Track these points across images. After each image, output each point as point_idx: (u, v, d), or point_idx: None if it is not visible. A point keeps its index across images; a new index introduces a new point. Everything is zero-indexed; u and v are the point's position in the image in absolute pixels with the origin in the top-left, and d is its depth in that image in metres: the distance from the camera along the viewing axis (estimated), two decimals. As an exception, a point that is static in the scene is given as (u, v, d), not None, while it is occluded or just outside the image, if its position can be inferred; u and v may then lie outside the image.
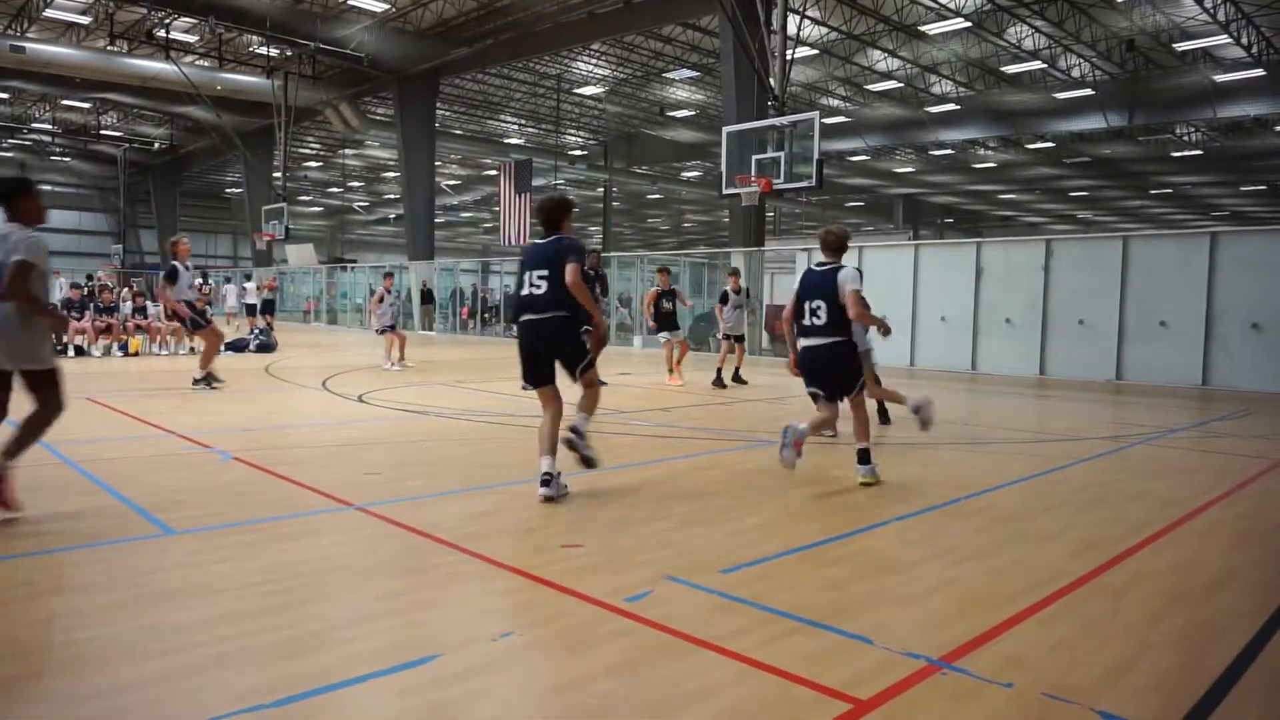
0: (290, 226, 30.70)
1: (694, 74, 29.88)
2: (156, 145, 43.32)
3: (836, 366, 5.77)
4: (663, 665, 2.84)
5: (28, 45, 25.41)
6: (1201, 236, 13.85)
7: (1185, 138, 33.78)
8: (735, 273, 13.19)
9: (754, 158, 15.60)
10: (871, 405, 7.87)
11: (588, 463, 5.40)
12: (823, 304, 5.68)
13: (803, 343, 5.85)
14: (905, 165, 42.19)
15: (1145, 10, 22.43)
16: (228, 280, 31.44)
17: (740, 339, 12.78)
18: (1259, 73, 24.07)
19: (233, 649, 2.90)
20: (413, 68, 28.00)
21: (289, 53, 27.46)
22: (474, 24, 25.46)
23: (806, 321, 5.78)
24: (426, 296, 30.19)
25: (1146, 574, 3.96)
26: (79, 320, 15.63)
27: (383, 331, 14.58)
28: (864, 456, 5.70)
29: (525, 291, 5.27)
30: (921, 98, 30.54)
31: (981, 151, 38.42)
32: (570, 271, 5.10)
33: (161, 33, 25.70)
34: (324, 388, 11.39)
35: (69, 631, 3.04)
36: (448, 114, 36.07)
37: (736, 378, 12.64)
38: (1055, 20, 22.99)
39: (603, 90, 32.84)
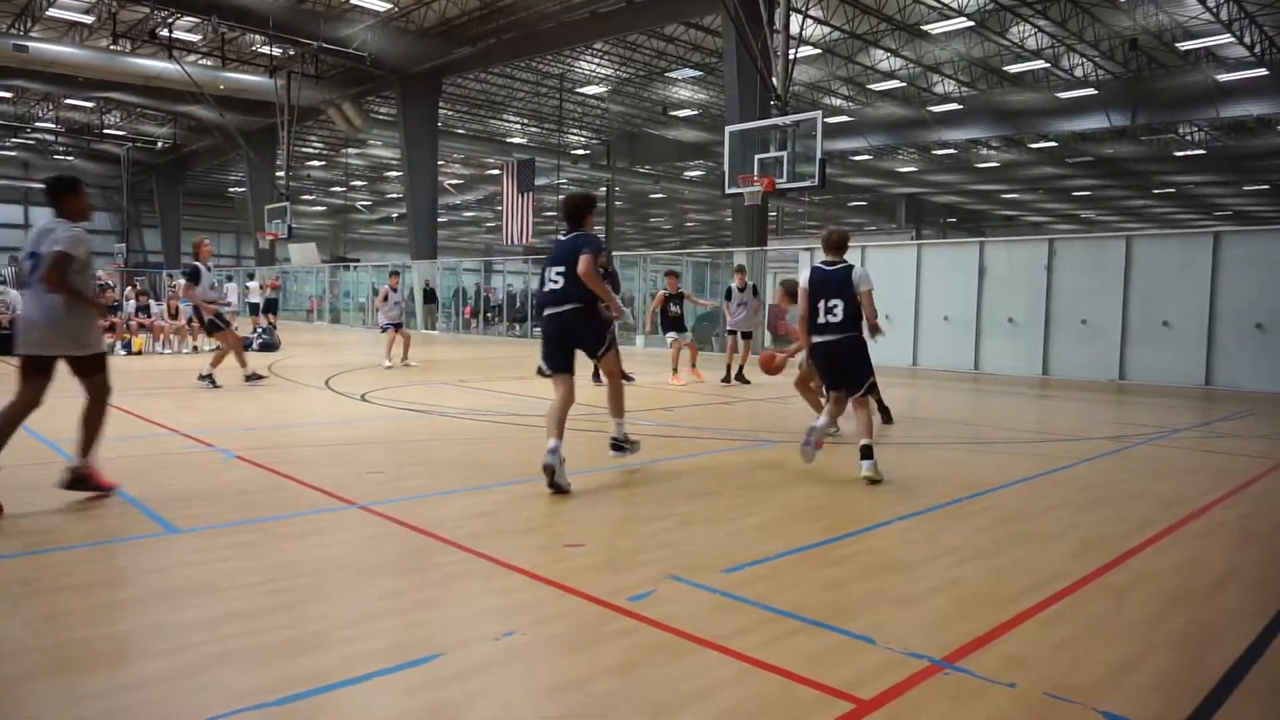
0: (293, 225, 30.75)
1: (697, 73, 29.87)
2: (160, 144, 43.35)
3: (853, 361, 5.96)
4: (664, 665, 2.84)
5: (31, 44, 25.44)
6: (1205, 236, 13.83)
7: (1188, 137, 33.72)
8: (741, 269, 13.23)
9: (757, 157, 15.59)
10: (873, 404, 7.91)
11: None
12: (839, 302, 5.88)
13: (819, 339, 6.02)
14: (908, 165, 42.15)
15: (1148, 10, 22.39)
16: (229, 279, 31.45)
17: (748, 335, 12.82)
18: (1262, 72, 24.02)
19: (235, 648, 2.90)
20: (415, 67, 28.01)
21: (292, 52, 27.46)
22: (477, 23, 25.46)
23: (822, 319, 5.95)
24: (429, 296, 30.23)
25: (1149, 574, 3.95)
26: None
27: (385, 329, 14.59)
28: (867, 452, 5.76)
29: (546, 287, 5.57)
30: (924, 97, 30.50)
31: (984, 151, 38.38)
32: (582, 262, 5.33)
33: (164, 32, 25.71)
34: (327, 387, 11.40)
35: (71, 630, 3.05)
36: (450, 113, 36.09)
37: (740, 377, 12.65)
38: (1058, 20, 22.96)
39: (605, 90, 32.84)
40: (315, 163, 47.95)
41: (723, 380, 12.45)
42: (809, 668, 2.82)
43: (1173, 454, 7.47)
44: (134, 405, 8.72)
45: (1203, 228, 38.39)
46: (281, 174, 32.10)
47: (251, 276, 31.31)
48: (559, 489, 5.20)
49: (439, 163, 34.22)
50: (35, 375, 4.74)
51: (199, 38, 27.40)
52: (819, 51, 26.04)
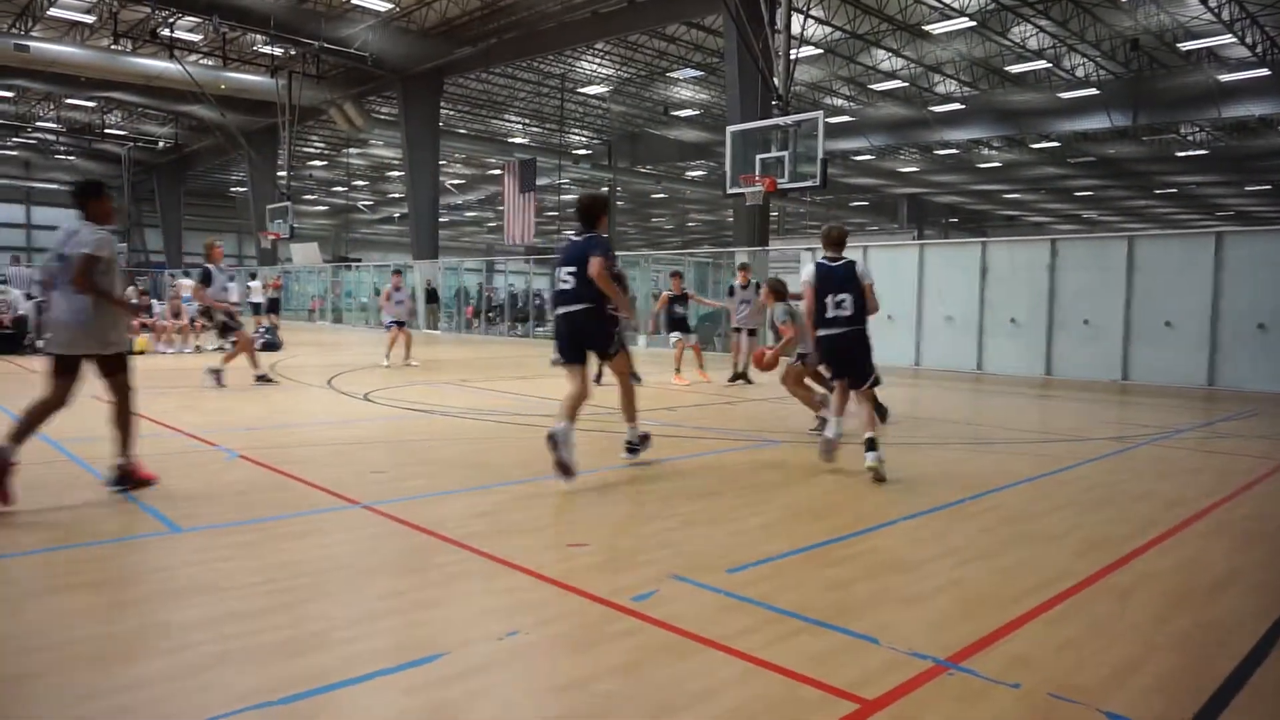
0: (295, 225, 30.71)
1: (698, 73, 29.87)
2: (161, 144, 43.36)
3: (859, 353, 6.14)
4: (668, 665, 2.83)
5: (32, 44, 25.44)
6: (1207, 236, 13.80)
7: (1190, 138, 33.70)
8: (745, 267, 13.23)
9: (758, 157, 15.57)
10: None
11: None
12: (848, 296, 6.05)
13: (826, 332, 6.16)
14: (910, 165, 42.14)
15: (1150, 10, 22.37)
16: (231, 279, 31.42)
17: (753, 332, 12.82)
18: (1264, 72, 23.99)
19: (237, 647, 2.90)
20: (417, 67, 28.01)
21: (293, 52, 27.48)
22: (478, 23, 25.47)
23: (831, 314, 6.09)
24: (431, 295, 30.23)
25: (1153, 575, 3.94)
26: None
27: (389, 327, 14.68)
28: (872, 444, 5.83)
29: (557, 287, 5.86)
30: (926, 97, 30.49)
31: (986, 151, 38.36)
32: (593, 264, 5.55)
33: (166, 32, 25.72)
34: (329, 386, 11.40)
35: (74, 628, 3.04)
36: (452, 113, 36.09)
37: (743, 376, 12.64)
38: (1059, 20, 22.95)
39: (607, 90, 32.84)
40: (317, 163, 47.97)
41: (730, 379, 12.47)
42: (813, 668, 2.81)
43: (1175, 454, 7.46)
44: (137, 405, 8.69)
45: (1205, 228, 38.32)
46: (283, 174, 32.08)
47: (253, 276, 31.27)
48: (563, 464, 5.29)
49: (440, 163, 34.23)
50: (63, 375, 4.89)
51: (200, 37, 27.41)
52: (820, 51, 26.04)
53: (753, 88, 18.47)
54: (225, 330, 10.98)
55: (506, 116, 38.27)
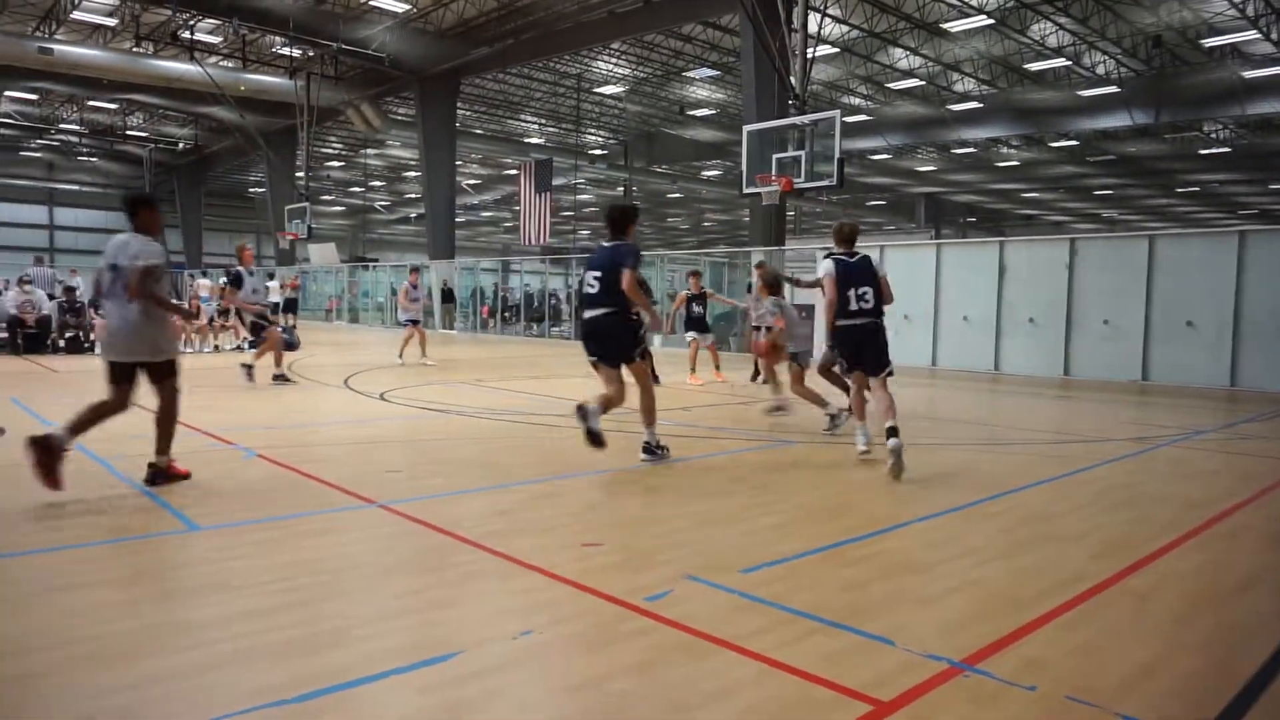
0: (312, 226, 30.91)
1: (714, 73, 29.81)
2: (181, 145, 43.79)
3: (879, 343, 6.39)
4: (682, 665, 2.83)
5: (56, 47, 25.75)
6: (1229, 235, 13.65)
7: (1213, 135, 33.30)
8: (762, 265, 13.20)
9: (775, 156, 15.54)
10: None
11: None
12: (869, 289, 6.33)
13: (849, 323, 6.40)
14: (927, 164, 41.89)
15: (1172, 6, 22.13)
16: (270, 277, 31.66)
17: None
18: (1289, 69, 23.71)
19: (253, 645, 2.92)
20: (434, 68, 28.13)
21: (311, 53, 27.65)
22: (494, 24, 25.54)
23: (854, 306, 6.35)
24: (447, 295, 30.34)
25: (1173, 577, 3.90)
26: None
27: (405, 324, 14.82)
28: (893, 432, 5.92)
29: (584, 290, 6.13)
30: (943, 96, 30.29)
31: (1004, 150, 38.07)
32: (625, 278, 5.88)
33: (186, 34, 25.95)
34: (346, 386, 11.47)
35: (92, 625, 3.07)
36: (468, 114, 36.20)
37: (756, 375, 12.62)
38: (1079, 17, 22.73)
39: (623, 89, 32.84)
40: (334, 163, 48.25)
41: (752, 378, 12.49)
42: (827, 668, 2.80)
43: (1196, 456, 7.38)
44: (155, 403, 8.77)
45: (1227, 227, 37.89)
46: (301, 174, 32.30)
47: (271, 276, 31.45)
48: (592, 433, 5.76)
49: (457, 163, 34.33)
50: (121, 381, 5.11)
51: (220, 40, 27.65)
52: (837, 50, 25.92)
53: (769, 87, 18.42)
54: (256, 329, 11.39)
55: (523, 117, 38.34)
